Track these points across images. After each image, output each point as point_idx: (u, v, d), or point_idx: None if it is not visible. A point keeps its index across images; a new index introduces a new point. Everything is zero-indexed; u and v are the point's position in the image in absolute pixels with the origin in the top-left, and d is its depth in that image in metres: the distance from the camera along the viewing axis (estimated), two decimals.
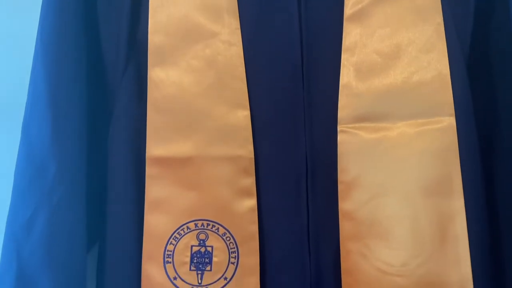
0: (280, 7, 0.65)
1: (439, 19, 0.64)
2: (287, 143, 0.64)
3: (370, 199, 0.61)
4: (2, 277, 0.63)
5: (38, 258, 0.62)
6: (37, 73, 0.65)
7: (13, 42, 0.79)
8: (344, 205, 0.61)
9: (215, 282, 0.61)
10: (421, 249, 0.60)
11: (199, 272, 0.61)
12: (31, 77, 0.66)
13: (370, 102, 0.62)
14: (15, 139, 0.65)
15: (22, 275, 0.62)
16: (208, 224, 0.62)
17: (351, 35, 0.64)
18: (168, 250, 0.61)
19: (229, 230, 0.62)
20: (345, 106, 0.63)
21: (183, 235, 0.62)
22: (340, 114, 0.63)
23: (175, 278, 0.61)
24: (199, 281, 0.61)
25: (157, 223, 0.62)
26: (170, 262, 0.61)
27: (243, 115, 0.63)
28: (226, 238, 0.62)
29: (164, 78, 0.64)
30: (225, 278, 0.61)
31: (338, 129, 0.62)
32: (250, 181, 0.62)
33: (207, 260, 0.61)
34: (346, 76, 0.63)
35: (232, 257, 0.61)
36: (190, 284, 0.61)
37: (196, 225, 0.62)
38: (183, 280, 0.61)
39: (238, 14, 0.64)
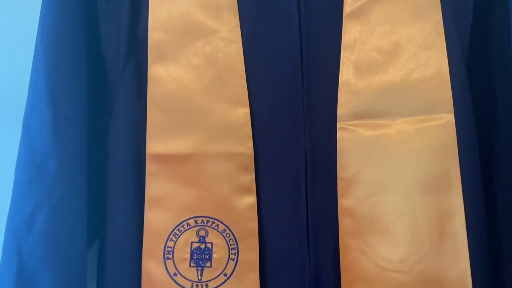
0: (279, 5, 0.65)
1: (438, 16, 0.64)
2: (287, 140, 0.64)
3: (370, 196, 0.61)
4: (3, 274, 0.63)
5: (38, 255, 0.62)
6: (37, 72, 0.65)
7: (13, 42, 0.79)
8: (344, 201, 0.62)
9: (215, 278, 0.61)
10: (420, 245, 0.60)
11: (199, 268, 0.61)
12: (31, 76, 0.66)
13: (370, 99, 0.63)
14: (15, 139, 0.65)
15: (22, 273, 0.62)
16: (208, 221, 0.62)
17: (350, 32, 0.64)
18: (168, 247, 0.62)
19: (229, 226, 0.62)
20: (345, 103, 0.63)
21: (183, 232, 0.62)
22: (340, 111, 0.63)
23: (175, 275, 0.61)
24: (199, 277, 0.61)
25: (157, 220, 0.62)
26: (170, 259, 0.62)
27: (243, 112, 0.63)
28: (226, 234, 0.62)
29: (164, 75, 0.64)
30: (225, 274, 0.61)
31: (338, 126, 0.62)
32: (249, 178, 0.63)
33: (207, 257, 0.62)
34: (346, 73, 0.63)
35: (232, 254, 0.62)
36: (190, 280, 0.61)
37: (196, 221, 0.62)
38: (183, 276, 0.61)
39: (237, 12, 0.65)
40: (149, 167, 0.63)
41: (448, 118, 0.62)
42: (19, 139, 0.65)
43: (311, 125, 0.64)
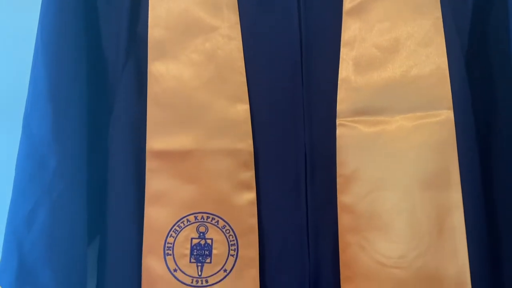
0: (279, 2, 0.65)
1: (437, 13, 0.64)
2: (287, 136, 0.64)
3: (369, 192, 0.61)
4: (4, 270, 0.63)
5: (39, 251, 0.63)
6: (37, 69, 0.65)
7: (13, 42, 0.79)
8: (343, 198, 0.62)
9: (214, 274, 0.62)
10: (419, 241, 0.60)
11: (199, 264, 0.62)
12: (31, 73, 0.66)
13: (369, 95, 0.63)
14: (15, 139, 0.66)
15: (23, 269, 0.63)
16: (208, 217, 0.62)
17: (350, 29, 0.64)
18: (168, 243, 0.62)
19: (228, 223, 0.62)
20: (344, 100, 0.63)
21: (183, 228, 0.62)
22: (339, 107, 0.63)
23: (175, 270, 0.62)
24: (199, 273, 0.62)
25: (157, 216, 0.62)
26: (170, 255, 0.62)
27: (243, 109, 0.63)
28: (226, 230, 0.62)
29: (164, 72, 0.64)
30: (225, 270, 0.62)
31: (337, 122, 0.63)
32: (249, 175, 0.63)
33: (207, 253, 0.62)
34: (345, 70, 0.63)
35: (231, 250, 0.62)
36: (190, 276, 0.62)
37: (196, 217, 0.62)
38: (183, 272, 0.62)
39: (237, 9, 0.65)
40: (149, 163, 0.63)
41: (447, 114, 0.62)
42: (19, 139, 0.65)
43: (310, 122, 0.64)
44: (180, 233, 0.62)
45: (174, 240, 0.62)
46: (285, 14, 0.65)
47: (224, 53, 0.64)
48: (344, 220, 0.61)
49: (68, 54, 0.65)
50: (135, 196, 0.64)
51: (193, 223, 0.62)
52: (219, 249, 0.62)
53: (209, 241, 0.62)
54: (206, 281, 0.62)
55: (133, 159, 0.65)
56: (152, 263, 0.62)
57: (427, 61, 0.63)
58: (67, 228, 0.64)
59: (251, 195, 0.63)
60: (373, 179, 0.61)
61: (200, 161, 0.63)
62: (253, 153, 0.63)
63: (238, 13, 0.65)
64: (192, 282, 0.62)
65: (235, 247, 0.62)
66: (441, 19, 0.64)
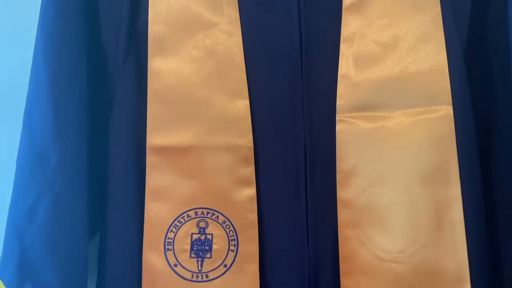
0: None
1: (437, 9, 0.64)
2: (286, 132, 0.64)
3: (368, 187, 0.61)
4: (5, 265, 0.64)
5: (39, 246, 0.63)
6: (38, 65, 0.65)
7: (13, 41, 0.79)
8: (343, 193, 0.62)
9: (215, 269, 0.62)
10: (418, 236, 0.60)
11: (199, 259, 0.62)
12: (32, 68, 0.66)
13: (368, 91, 0.63)
14: (15, 139, 0.66)
15: (24, 263, 0.63)
16: (208, 212, 0.62)
17: (349, 25, 0.64)
18: (168, 238, 0.62)
19: (228, 218, 0.62)
20: (344, 95, 0.63)
21: (184, 223, 0.62)
22: (339, 103, 0.63)
23: (175, 265, 0.62)
24: (199, 268, 0.62)
25: (157, 212, 0.62)
26: (171, 250, 0.62)
27: (243, 105, 0.63)
28: (226, 226, 0.62)
29: (164, 68, 0.64)
30: (225, 265, 0.62)
31: (337, 118, 0.63)
32: (249, 170, 0.63)
33: (207, 248, 0.62)
34: (345, 66, 0.64)
35: (231, 245, 0.62)
36: (190, 271, 0.62)
37: (196, 213, 0.62)
38: (183, 267, 0.62)
39: (237, 5, 0.65)
40: (150, 159, 0.63)
41: (446, 110, 0.62)
42: (19, 138, 0.66)
43: (310, 118, 0.64)
44: (181, 228, 0.62)
45: (175, 236, 0.62)
46: (285, 10, 0.65)
47: (224, 49, 0.64)
48: (343, 215, 0.62)
49: (69, 50, 0.66)
50: (136, 192, 0.64)
51: (193, 218, 0.62)
52: (219, 244, 0.62)
53: (209, 236, 0.62)
54: (206, 276, 0.62)
55: (133, 155, 0.65)
56: (153, 258, 0.62)
57: (426, 57, 0.63)
58: (67, 223, 0.64)
59: (251, 191, 0.63)
60: (373, 174, 0.62)
61: (200, 157, 0.63)
62: (253, 149, 0.63)
63: (238, 9, 0.65)
64: (192, 277, 0.62)
65: (235, 242, 0.62)
66: (441, 15, 0.64)
